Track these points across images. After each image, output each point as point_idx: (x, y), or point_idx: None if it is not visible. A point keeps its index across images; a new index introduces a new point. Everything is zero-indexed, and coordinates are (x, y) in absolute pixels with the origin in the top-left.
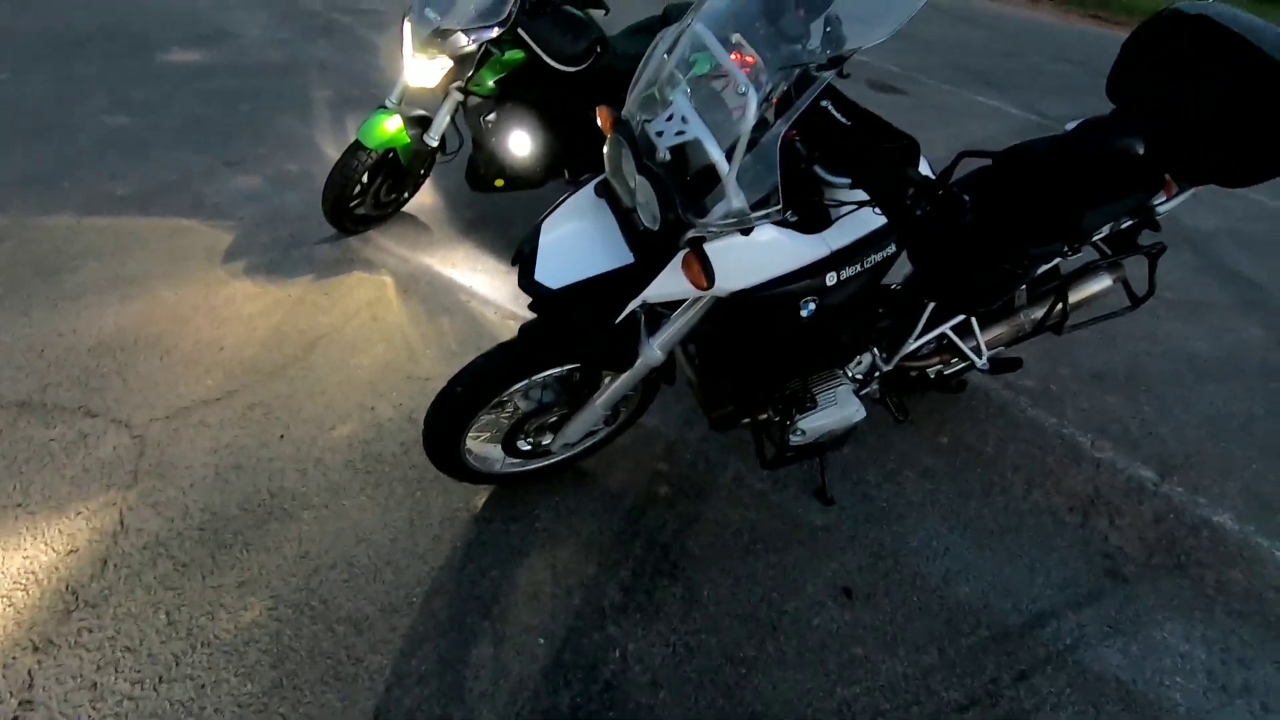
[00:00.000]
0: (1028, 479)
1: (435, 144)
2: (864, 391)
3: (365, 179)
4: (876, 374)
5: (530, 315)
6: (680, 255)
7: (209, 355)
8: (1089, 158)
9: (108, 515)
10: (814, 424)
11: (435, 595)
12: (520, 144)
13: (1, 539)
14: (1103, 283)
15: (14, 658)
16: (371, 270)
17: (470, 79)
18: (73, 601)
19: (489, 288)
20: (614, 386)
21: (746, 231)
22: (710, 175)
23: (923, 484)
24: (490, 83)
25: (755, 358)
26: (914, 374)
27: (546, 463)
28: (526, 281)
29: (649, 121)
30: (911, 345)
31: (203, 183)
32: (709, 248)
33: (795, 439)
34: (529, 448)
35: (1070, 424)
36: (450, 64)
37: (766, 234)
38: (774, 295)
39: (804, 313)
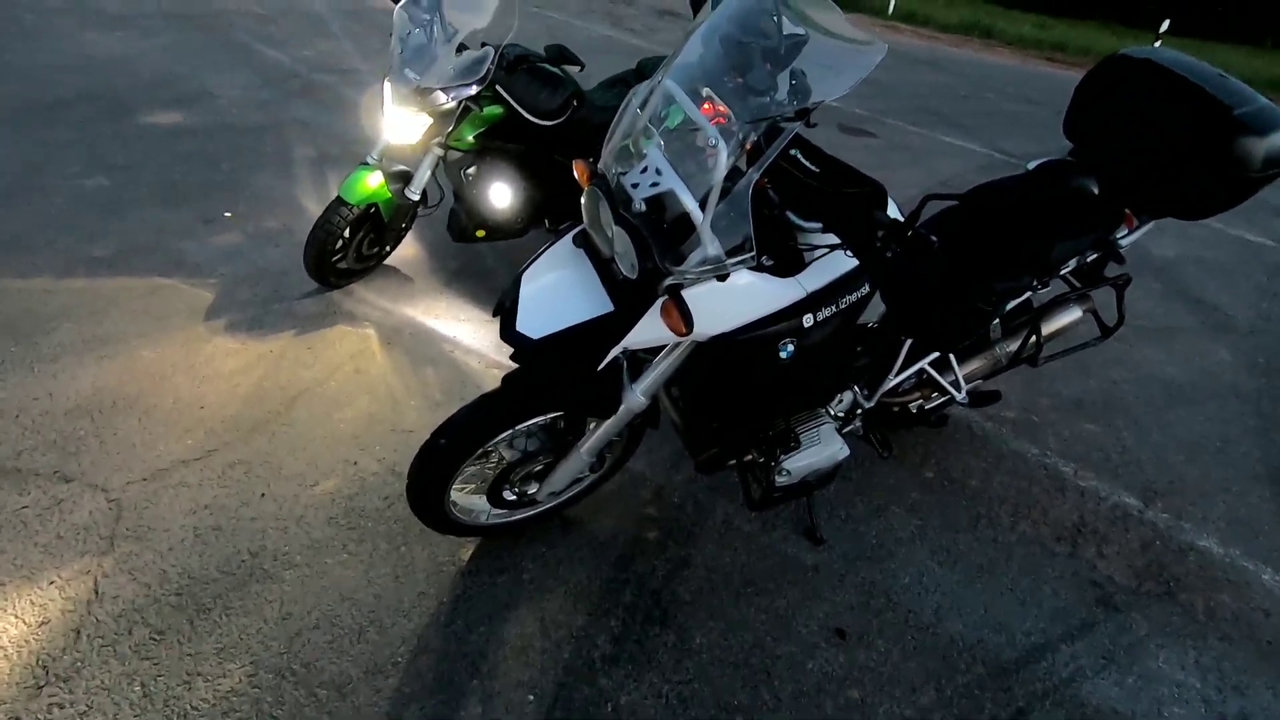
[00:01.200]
0: (1014, 510)
1: (416, 198)
2: (847, 429)
3: (347, 234)
4: (859, 411)
5: (513, 365)
6: (659, 302)
7: (189, 414)
8: (1050, 197)
9: (82, 583)
10: (799, 464)
11: (421, 654)
12: (500, 196)
13: (5, 596)
14: (1073, 315)
15: None
16: (354, 323)
17: (450, 134)
18: (43, 676)
19: (472, 337)
20: (598, 433)
21: (723, 277)
22: (685, 224)
23: (910, 519)
24: (470, 137)
25: (737, 400)
26: (896, 410)
27: (533, 512)
28: (508, 333)
29: (624, 174)
30: (891, 382)
31: (182, 241)
32: (687, 294)
33: (781, 479)
34: (514, 498)
35: (1052, 453)
36: (430, 121)
37: (743, 279)
38: (752, 338)
39: (783, 354)
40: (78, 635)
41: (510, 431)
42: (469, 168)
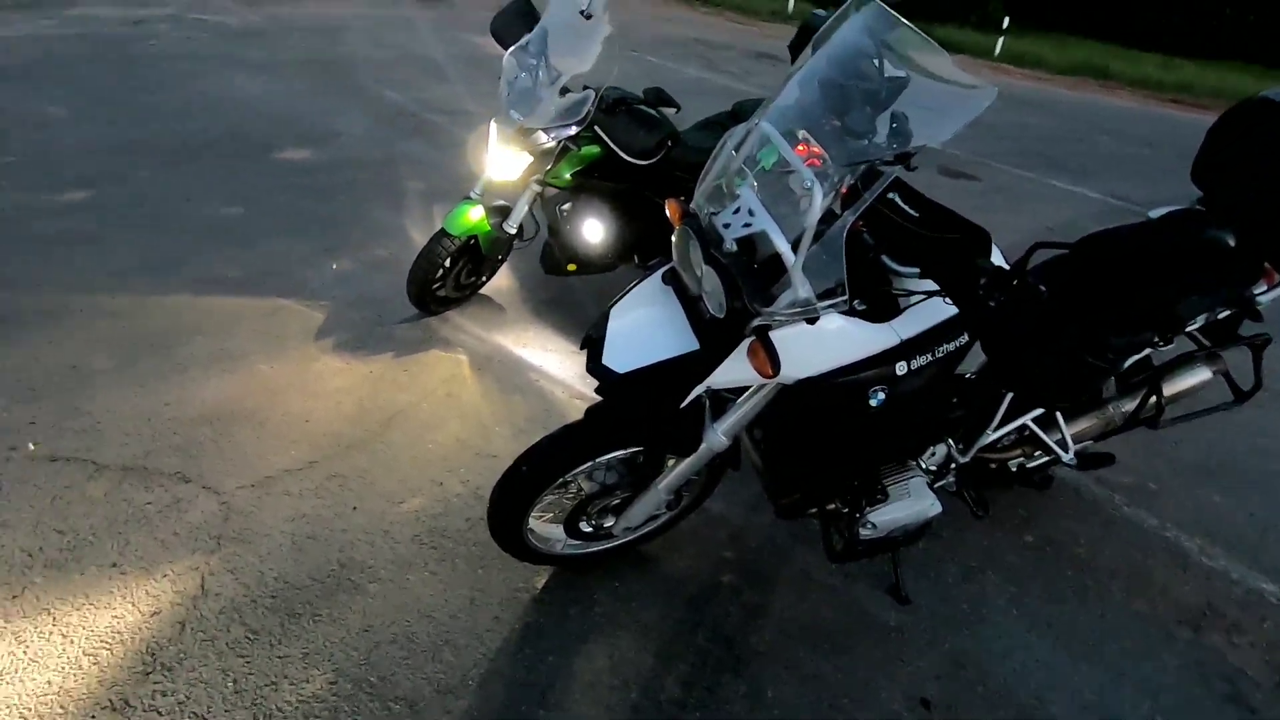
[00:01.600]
0: (1127, 585)
1: (514, 231)
2: (939, 484)
3: (448, 264)
4: (952, 466)
5: (597, 398)
6: (746, 343)
7: (296, 427)
8: (1178, 248)
9: (190, 579)
10: (885, 517)
11: (491, 679)
12: (593, 231)
13: (95, 597)
14: (1201, 375)
15: (93, 716)
16: (449, 349)
17: (549, 172)
18: (151, 663)
19: (559, 368)
20: (677, 470)
21: (813, 320)
22: (776, 265)
23: (1006, 586)
24: (567, 175)
25: (822, 446)
26: (994, 467)
27: (608, 545)
28: (594, 365)
29: (716, 214)
30: (990, 437)
31: (302, 267)
32: (775, 335)
33: (865, 533)
34: (590, 530)
35: (1173, 526)
36: (531, 159)
37: (834, 322)
38: (841, 384)
39: (873, 402)
40: (183, 628)
41: (590, 463)
42: (564, 204)
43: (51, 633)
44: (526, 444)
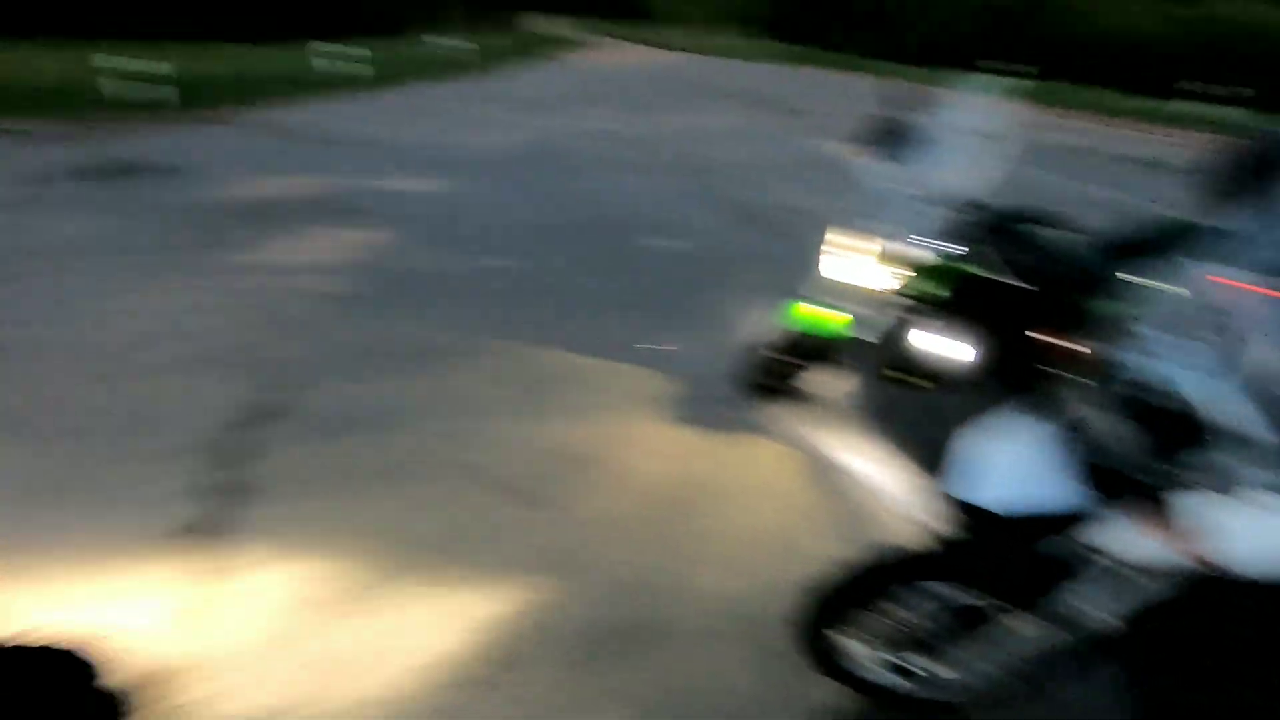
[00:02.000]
0: None
1: (862, 338)
2: None
3: (782, 359)
4: None
5: (922, 518)
6: (1150, 506)
7: (629, 480)
8: None
9: (537, 594)
10: None
11: None
12: (945, 350)
13: (473, 587)
14: None
15: (462, 685)
16: (770, 439)
17: (908, 284)
18: (512, 659)
19: (882, 480)
20: (1019, 630)
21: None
22: (1236, 439)
23: None
24: (931, 290)
25: (1257, 663)
26: None
27: (915, 691)
28: (957, 491)
29: (1144, 356)
30: None
31: (645, 340)
32: (1207, 508)
33: None
34: (899, 665)
35: None
36: (889, 267)
37: None
38: None
39: None
40: (522, 634)
41: (921, 591)
42: (920, 319)
43: (445, 604)
44: (837, 551)
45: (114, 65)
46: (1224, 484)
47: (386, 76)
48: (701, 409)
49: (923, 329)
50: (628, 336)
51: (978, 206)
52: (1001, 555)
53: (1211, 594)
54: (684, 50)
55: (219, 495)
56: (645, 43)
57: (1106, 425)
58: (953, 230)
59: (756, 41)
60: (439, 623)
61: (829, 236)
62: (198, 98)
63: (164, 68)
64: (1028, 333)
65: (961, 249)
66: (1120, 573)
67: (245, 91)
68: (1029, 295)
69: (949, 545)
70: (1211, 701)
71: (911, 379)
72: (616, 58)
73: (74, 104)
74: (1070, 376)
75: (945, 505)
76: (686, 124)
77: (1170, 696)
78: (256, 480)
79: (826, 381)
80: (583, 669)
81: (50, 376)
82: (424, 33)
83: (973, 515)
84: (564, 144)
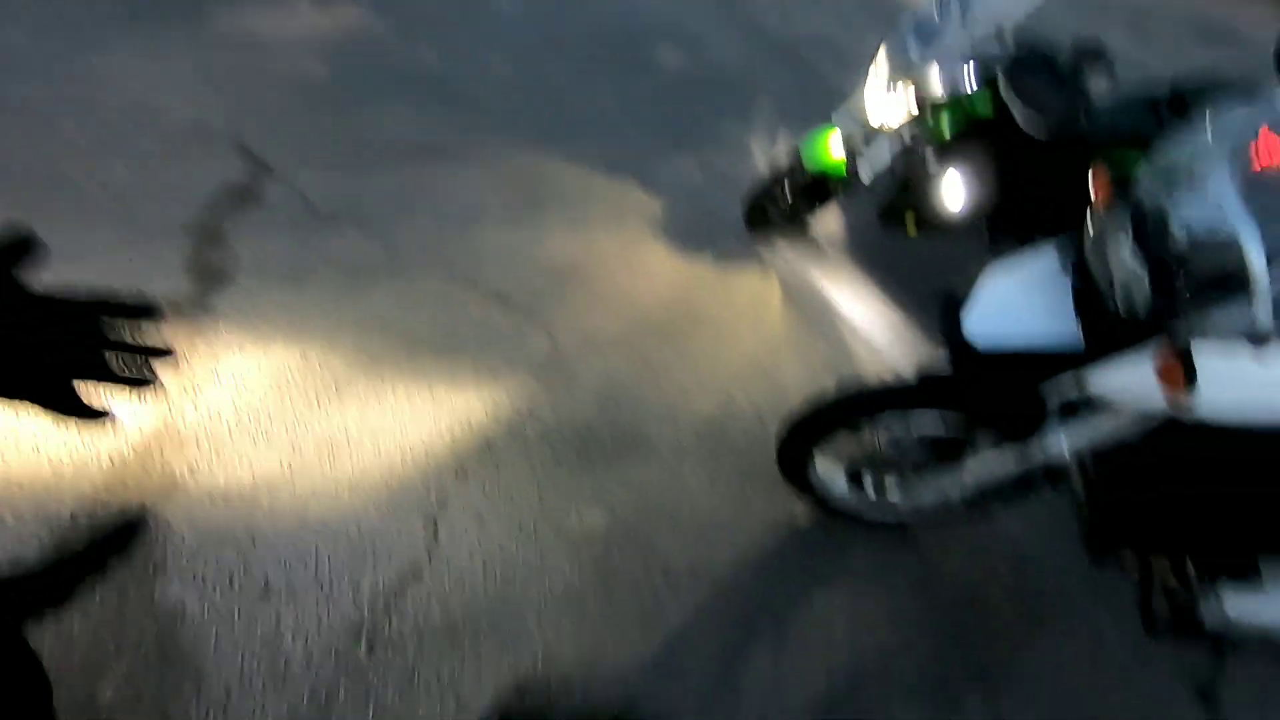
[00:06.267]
0: None
1: (868, 181)
2: None
3: (788, 192)
4: None
5: (897, 368)
6: (1153, 354)
7: (621, 303)
8: None
9: (523, 399)
10: (1244, 607)
11: (736, 589)
12: (954, 197)
13: (458, 387)
14: None
15: (443, 475)
16: (763, 272)
17: (927, 121)
18: (486, 452)
19: (866, 323)
20: (993, 463)
21: (1259, 345)
22: (1234, 279)
23: None
24: (945, 129)
25: (1192, 497)
26: None
27: (882, 514)
28: (951, 328)
29: (1170, 198)
30: None
31: (651, 162)
32: (1201, 355)
33: (1209, 618)
34: (872, 487)
35: None
36: (911, 102)
37: None
38: (1267, 440)
39: None
40: (511, 435)
41: (899, 417)
42: (930, 159)
43: (428, 400)
44: (817, 384)
45: None
46: (1223, 330)
47: None
48: (701, 236)
49: (933, 174)
50: (636, 155)
51: (1003, 45)
52: (984, 390)
53: (1177, 436)
54: None
55: (196, 280)
56: None
57: (1109, 266)
58: (978, 69)
59: None
60: (417, 415)
61: (871, 71)
62: None
63: None
64: (1033, 173)
65: (985, 89)
66: (1097, 412)
67: None
68: (1036, 143)
69: (929, 378)
70: (1157, 522)
71: (910, 226)
72: None
73: None
74: (1107, 216)
75: (937, 343)
76: None
77: (1114, 524)
78: (236, 266)
79: (829, 219)
80: (553, 468)
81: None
82: None
83: (963, 352)
84: None
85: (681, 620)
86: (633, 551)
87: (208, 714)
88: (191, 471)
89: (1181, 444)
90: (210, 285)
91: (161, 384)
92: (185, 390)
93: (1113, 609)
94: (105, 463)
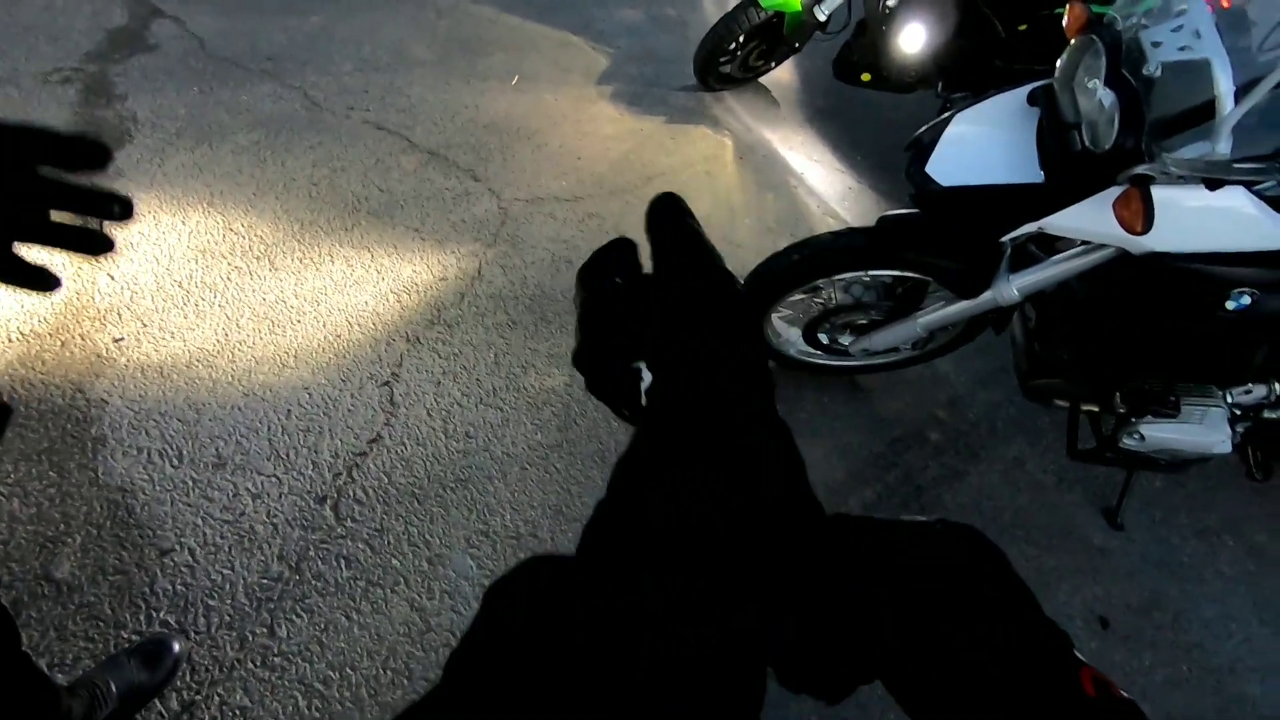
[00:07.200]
0: None
1: (824, 18)
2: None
3: (743, 39)
4: (1257, 414)
5: (850, 223)
6: (1114, 190)
7: (568, 160)
8: None
9: (471, 262)
10: (1161, 434)
11: None
12: (910, 41)
13: (402, 250)
14: None
15: (393, 341)
16: (716, 129)
17: None
18: (436, 317)
19: (819, 180)
20: (946, 311)
21: (1213, 186)
22: (1202, 108)
23: (1245, 560)
24: None
25: (1130, 338)
26: None
27: (836, 363)
28: (916, 170)
29: (1146, 28)
30: None
31: (595, 6)
32: (1156, 191)
33: (1128, 441)
34: (827, 342)
35: None
36: None
37: (1235, 199)
38: (1205, 272)
39: (1230, 304)
40: (461, 298)
41: (857, 274)
42: (891, 1)
43: (370, 266)
44: (770, 241)
45: None
46: (1204, 173)
47: None
48: (651, 90)
49: (891, 17)
50: (580, 1)
51: None
52: (954, 232)
53: (1136, 271)
54: None
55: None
56: None
57: (1077, 101)
58: None
59: None
60: (359, 281)
61: None
62: None
63: None
64: (983, 18)
65: None
66: (1045, 260)
67: None
68: None
69: (891, 221)
70: (1091, 358)
71: (864, 75)
72: None
73: None
74: (1080, 49)
75: (897, 194)
76: None
77: (1049, 360)
78: (134, 123)
79: (783, 72)
80: (508, 329)
81: None
82: None
83: (928, 192)
84: None
85: None
86: (593, 410)
87: (176, 578)
88: (118, 345)
89: (1116, 288)
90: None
91: (115, 247)
92: (96, 260)
93: (1035, 442)
94: (17, 338)
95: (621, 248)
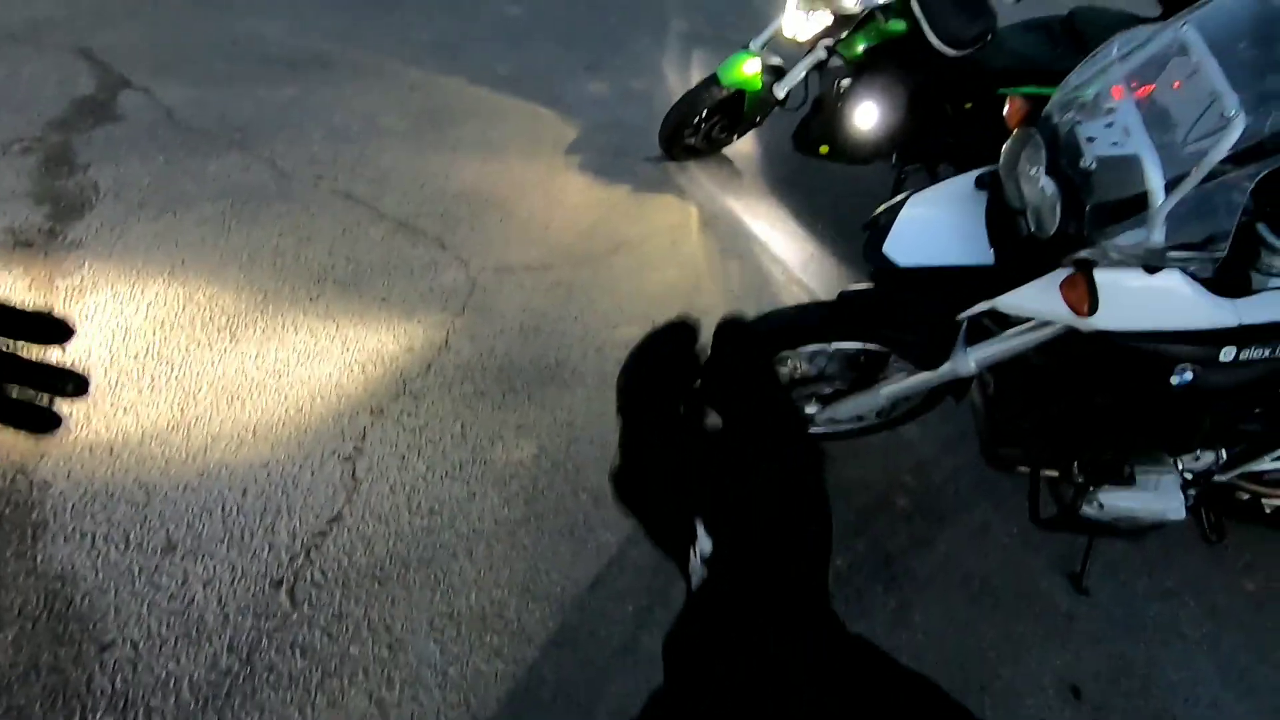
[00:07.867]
0: None
1: (782, 95)
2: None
3: (705, 113)
4: (1208, 479)
5: (815, 291)
6: (1060, 273)
7: (536, 229)
8: None
9: (438, 331)
10: (1118, 502)
11: None
12: (864, 117)
13: (368, 321)
14: None
15: (357, 413)
16: (681, 198)
17: (841, 40)
18: (402, 388)
19: (782, 247)
20: (907, 382)
21: (1151, 270)
22: (1135, 201)
23: (1205, 621)
24: (860, 48)
25: (1083, 408)
26: (1246, 498)
27: None
28: (873, 251)
29: (1080, 124)
30: (1267, 465)
31: (564, 79)
32: (1099, 274)
33: (1088, 509)
34: None
35: None
36: (828, 21)
37: (1171, 280)
38: (1149, 350)
39: (1175, 380)
40: (429, 369)
41: (819, 347)
42: (844, 79)
43: (335, 337)
44: (735, 308)
45: None
46: (1141, 260)
47: None
48: (618, 160)
49: (845, 94)
50: (546, 73)
51: None
52: (911, 310)
53: (1084, 348)
54: None
55: (48, 208)
56: None
57: (1021, 189)
58: None
59: None
60: (324, 353)
61: None
62: None
63: None
64: (941, 94)
65: (898, 4)
66: (1001, 334)
67: None
68: (945, 62)
69: (850, 297)
70: (1049, 429)
71: (822, 148)
72: None
73: None
74: (1020, 140)
75: (857, 267)
76: None
77: (1010, 430)
78: (95, 192)
79: (745, 144)
80: (475, 400)
81: None
82: None
83: (885, 272)
84: None
85: (615, 542)
86: (561, 481)
87: (116, 675)
88: (65, 424)
89: (1070, 362)
90: (65, 215)
91: (67, 426)
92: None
93: (1000, 506)
94: None
95: (678, 338)
